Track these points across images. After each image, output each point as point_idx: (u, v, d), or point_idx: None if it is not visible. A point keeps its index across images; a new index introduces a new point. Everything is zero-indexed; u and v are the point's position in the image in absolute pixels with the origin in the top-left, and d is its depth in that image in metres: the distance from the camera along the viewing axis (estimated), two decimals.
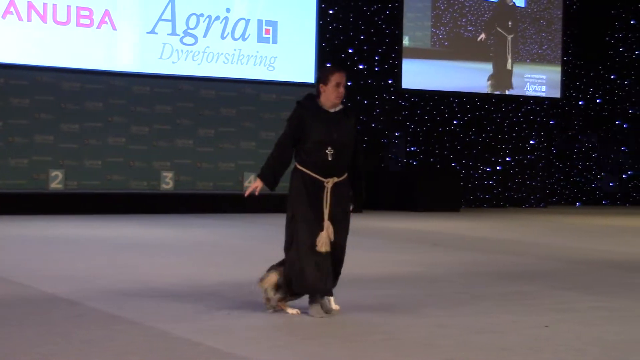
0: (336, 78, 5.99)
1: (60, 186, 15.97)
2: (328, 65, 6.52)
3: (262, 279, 5.95)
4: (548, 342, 5.31)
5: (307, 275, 5.82)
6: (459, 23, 19.96)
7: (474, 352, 4.99)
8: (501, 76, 20.47)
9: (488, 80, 20.34)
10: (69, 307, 6.09)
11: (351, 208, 6.12)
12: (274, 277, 5.91)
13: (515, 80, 20.77)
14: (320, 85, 6.02)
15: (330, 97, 6.01)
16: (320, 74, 6.13)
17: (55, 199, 15.45)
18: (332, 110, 6.04)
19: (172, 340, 5.12)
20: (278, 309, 5.93)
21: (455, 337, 5.39)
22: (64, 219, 13.96)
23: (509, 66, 20.55)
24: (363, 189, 6.17)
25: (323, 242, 5.81)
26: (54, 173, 16.01)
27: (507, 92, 20.62)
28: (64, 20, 16.15)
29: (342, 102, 6.12)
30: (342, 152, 5.96)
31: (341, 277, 6.83)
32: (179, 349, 4.93)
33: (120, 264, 8.64)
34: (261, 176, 6.05)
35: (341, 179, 5.97)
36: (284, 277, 5.88)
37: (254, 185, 6.07)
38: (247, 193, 6.10)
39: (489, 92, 20.40)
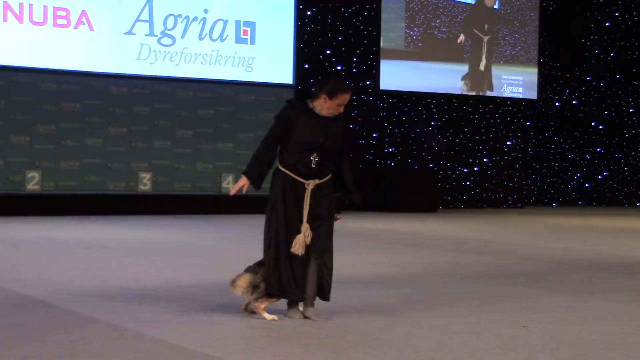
0: (343, 98, 5.96)
1: (36, 187, 15.86)
2: (340, 79, 6.28)
3: (233, 282, 5.91)
4: (523, 342, 5.34)
5: (281, 279, 5.80)
6: (432, 24, 20.03)
7: (450, 353, 5.02)
8: (477, 77, 20.54)
9: (462, 80, 20.38)
10: (45, 309, 6.06)
11: (339, 216, 6.07)
12: (246, 280, 5.87)
13: (492, 82, 20.85)
14: (324, 94, 5.92)
15: (328, 112, 5.95)
16: (329, 85, 5.97)
17: (31, 200, 15.34)
18: (322, 114, 5.99)
19: (148, 342, 5.11)
20: (255, 313, 5.90)
21: (432, 337, 5.41)
22: (41, 220, 13.88)
23: (483, 67, 20.63)
24: (351, 185, 6.12)
25: (299, 244, 5.80)
26: (30, 174, 15.89)
27: (487, 94, 20.67)
28: (41, 20, 16.05)
29: None
30: (327, 156, 5.93)
31: None
32: (155, 350, 4.92)
33: (97, 265, 8.60)
34: (247, 174, 5.92)
35: (323, 180, 5.94)
36: (262, 278, 5.86)
37: (240, 183, 5.93)
38: (233, 192, 5.94)
39: (464, 92, 20.45)
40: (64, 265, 8.60)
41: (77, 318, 5.77)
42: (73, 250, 9.87)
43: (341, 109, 6.01)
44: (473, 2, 20.48)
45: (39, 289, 6.91)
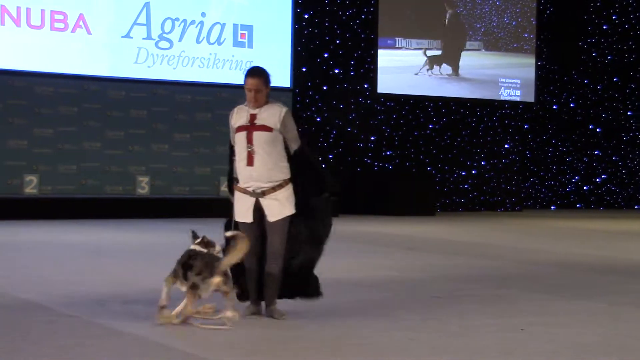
0: (248, 83, 5.99)
1: (34, 191, 15.84)
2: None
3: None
4: (522, 345, 5.34)
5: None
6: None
7: (449, 356, 5.02)
8: (444, 58, 20.39)
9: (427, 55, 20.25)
10: (43, 313, 6.05)
11: None
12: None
13: (489, 86, 20.89)
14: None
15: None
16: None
17: (29, 204, 15.33)
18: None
19: (146, 345, 5.10)
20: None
21: (430, 340, 5.41)
22: (39, 224, 13.86)
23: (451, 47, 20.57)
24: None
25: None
26: (28, 178, 15.88)
27: (456, 74, 20.45)
28: (38, 24, 16.03)
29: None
30: None
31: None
32: (154, 354, 4.91)
33: (95, 269, 8.59)
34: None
35: None
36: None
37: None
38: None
39: (427, 69, 20.23)
40: (62, 269, 8.59)
41: (76, 322, 5.76)
42: (71, 254, 9.86)
43: (252, 95, 5.98)
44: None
45: (36, 293, 6.90)
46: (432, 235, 13.58)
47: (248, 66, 17.38)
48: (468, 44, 20.72)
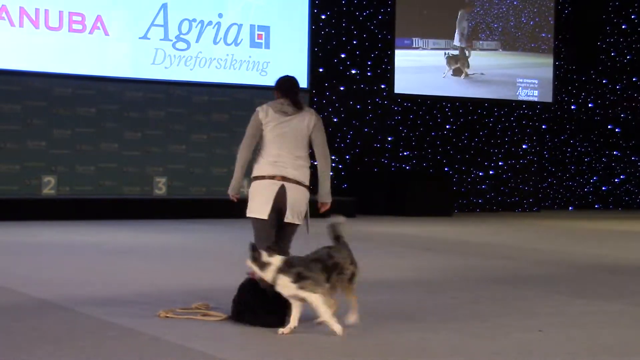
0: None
1: (52, 192, 15.93)
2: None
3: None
4: (539, 346, 5.32)
5: None
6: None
7: (466, 357, 5.00)
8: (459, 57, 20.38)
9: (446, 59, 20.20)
10: (60, 313, 6.07)
11: None
12: None
13: (507, 86, 20.83)
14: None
15: None
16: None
17: (47, 204, 15.40)
18: None
19: (163, 346, 5.11)
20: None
21: (448, 341, 5.39)
22: (57, 224, 13.93)
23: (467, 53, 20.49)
24: None
25: None
26: (46, 179, 15.96)
27: (468, 72, 20.37)
28: (56, 25, 16.11)
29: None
30: None
31: None
32: (171, 354, 4.92)
33: (113, 269, 8.62)
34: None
35: None
36: None
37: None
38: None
39: (448, 70, 20.19)
40: (79, 269, 8.62)
41: (93, 322, 5.78)
42: (88, 255, 9.90)
43: None
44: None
45: (54, 293, 6.93)
46: (449, 236, 13.55)
47: (265, 67, 17.81)
48: (485, 44, 20.67)
